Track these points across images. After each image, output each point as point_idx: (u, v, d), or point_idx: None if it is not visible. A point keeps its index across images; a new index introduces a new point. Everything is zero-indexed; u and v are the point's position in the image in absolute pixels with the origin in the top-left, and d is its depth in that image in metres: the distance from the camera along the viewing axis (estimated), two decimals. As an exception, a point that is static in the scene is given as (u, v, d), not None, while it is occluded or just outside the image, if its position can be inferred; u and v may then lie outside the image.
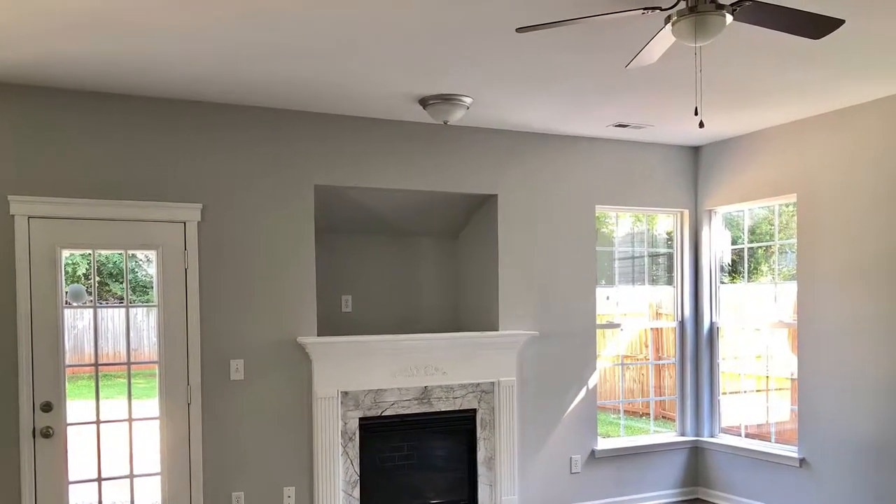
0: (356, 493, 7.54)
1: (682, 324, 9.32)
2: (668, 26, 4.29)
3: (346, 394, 7.49)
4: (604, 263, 9.16)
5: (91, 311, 7.04)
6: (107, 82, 6.34)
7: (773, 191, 8.24)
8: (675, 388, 9.47)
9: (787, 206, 8.44)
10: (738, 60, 5.96)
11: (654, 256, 9.61)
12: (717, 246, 9.20)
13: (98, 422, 6.80)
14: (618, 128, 8.13)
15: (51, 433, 6.48)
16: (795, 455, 8.05)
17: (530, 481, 8.34)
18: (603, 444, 8.85)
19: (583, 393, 8.63)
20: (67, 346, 6.69)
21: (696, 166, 9.19)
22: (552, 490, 8.48)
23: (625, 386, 10.31)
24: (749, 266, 9.24)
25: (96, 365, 6.92)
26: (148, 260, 7.65)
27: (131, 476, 6.91)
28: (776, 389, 8.79)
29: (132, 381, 6.98)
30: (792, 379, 8.34)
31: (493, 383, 8.08)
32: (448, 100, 6.83)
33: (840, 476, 7.62)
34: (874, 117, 7.22)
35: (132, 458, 6.92)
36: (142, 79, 6.26)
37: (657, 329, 10.34)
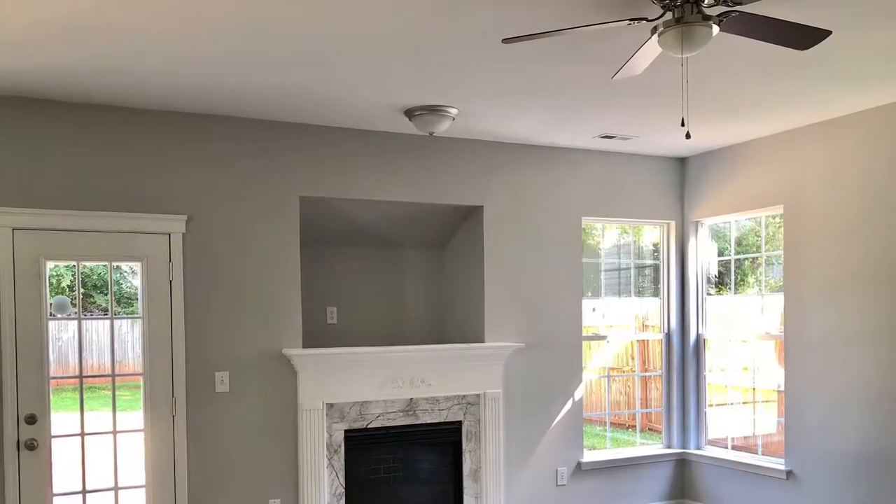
0: (342, 505, 7.53)
1: (668, 336, 9.32)
2: (655, 37, 4.29)
3: (331, 406, 7.46)
4: (590, 275, 9.16)
5: (75, 322, 7.01)
6: (92, 93, 6.32)
7: (760, 202, 8.25)
8: (661, 400, 9.46)
9: (773, 217, 8.45)
10: (725, 71, 5.97)
11: (640, 268, 9.61)
12: (704, 257, 9.21)
13: (83, 434, 6.76)
14: (604, 139, 8.13)
15: (35, 445, 6.44)
16: (782, 467, 8.05)
17: (516, 494, 8.31)
18: (589, 456, 8.84)
19: (569, 405, 8.61)
20: (52, 358, 6.65)
21: (682, 177, 9.19)
22: (538, 502, 8.45)
23: (611, 398, 10.30)
24: (736, 278, 9.25)
25: (81, 377, 6.88)
26: (133, 271, 7.65)
27: (116, 488, 6.87)
28: (763, 401, 8.80)
29: (117, 393, 6.95)
30: (779, 391, 8.34)
31: (478, 395, 8.06)
32: (434, 111, 6.82)
33: (827, 488, 7.62)
34: (861, 128, 7.23)
35: (117, 471, 6.88)
36: (127, 90, 6.24)
37: (643, 341, 10.34)
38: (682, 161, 9.19)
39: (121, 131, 6.73)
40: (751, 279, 9.72)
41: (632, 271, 9.52)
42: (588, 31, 4.42)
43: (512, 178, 8.30)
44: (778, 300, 8.24)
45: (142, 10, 4.58)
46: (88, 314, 14.85)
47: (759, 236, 8.95)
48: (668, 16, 4.20)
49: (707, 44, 4.20)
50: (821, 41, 4.45)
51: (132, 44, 5.16)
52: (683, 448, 9.27)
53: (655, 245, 9.47)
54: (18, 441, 6.41)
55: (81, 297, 7.09)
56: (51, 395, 6.59)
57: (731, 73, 6.03)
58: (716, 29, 4.15)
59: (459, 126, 7.43)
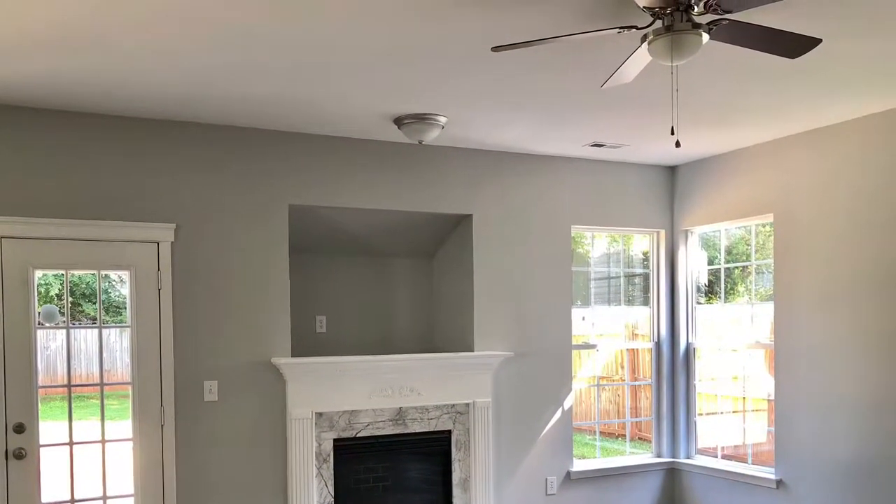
0: (331, 515, 7.50)
1: (658, 345, 9.31)
2: (645, 45, 4.28)
3: (320, 415, 7.44)
4: (579, 284, 9.14)
5: (64, 331, 6.98)
6: (79, 101, 6.30)
7: (750, 210, 8.25)
8: (651, 410, 9.45)
9: (763, 225, 8.45)
10: (715, 80, 5.97)
11: (630, 277, 9.60)
12: (694, 266, 9.20)
13: (71, 443, 6.72)
14: (594, 147, 8.12)
15: (23, 454, 6.40)
16: (772, 476, 8.04)
17: (505, 503, 8.29)
18: (578, 465, 8.82)
19: (558, 414, 8.60)
20: (40, 366, 6.61)
21: (672, 186, 9.19)
22: (529, 511, 8.44)
23: (600, 407, 10.30)
24: (725, 286, 9.26)
25: (69, 386, 6.85)
26: (121, 280, 7.62)
27: (104, 498, 6.83)
28: (753, 410, 8.79)
29: (105, 402, 6.92)
30: (769, 400, 8.34)
31: (468, 404, 8.04)
32: (423, 119, 6.81)
33: (817, 497, 7.61)
34: (851, 137, 7.23)
35: (105, 480, 6.84)
36: (115, 98, 6.22)
37: (633, 350, 10.34)
38: (672, 169, 9.19)
39: (109, 139, 6.71)
40: (741, 288, 9.73)
41: (621, 280, 9.52)
42: (578, 39, 4.42)
43: (501, 187, 8.29)
44: (768, 309, 8.24)
45: (132, 18, 4.57)
46: (77, 323, 14.80)
47: (749, 245, 8.95)
48: (658, 24, 4.18)
49: (697, 52, 4.19)
50: (811, 49, 4.45)
51: (121, 52, 5.14)
52: (673, 457, 9.25)
53: (645, 254, 9.47)
54: (7, 450, 6.37)
55: (70, 305, 7.06)
56: (39, 404, 6.56)
57: (721, 82, 6.03)
58: (706, 37, 4.14)
59: (449, 134, 7.42)
